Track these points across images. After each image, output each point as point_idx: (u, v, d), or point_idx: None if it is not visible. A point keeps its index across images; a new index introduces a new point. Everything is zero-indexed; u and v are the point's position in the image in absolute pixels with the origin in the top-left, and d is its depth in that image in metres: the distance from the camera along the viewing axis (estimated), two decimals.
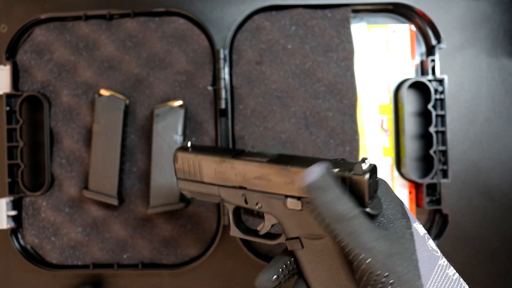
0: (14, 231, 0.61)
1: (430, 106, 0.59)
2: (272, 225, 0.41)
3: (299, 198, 0.36)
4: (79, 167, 0.60)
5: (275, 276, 0.38)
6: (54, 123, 0.61)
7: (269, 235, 0.41)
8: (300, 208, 0.36)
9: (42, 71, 0.61)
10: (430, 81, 0.60)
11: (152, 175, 0.58)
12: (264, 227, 0.41)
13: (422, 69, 0.62)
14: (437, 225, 0.60)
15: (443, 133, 0.60)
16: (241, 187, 0.40)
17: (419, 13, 0.60)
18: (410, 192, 0.61)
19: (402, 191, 0.61)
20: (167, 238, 0.60)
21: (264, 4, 0.60)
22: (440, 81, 0.60)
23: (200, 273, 0.61)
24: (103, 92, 0.59)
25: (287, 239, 0.38)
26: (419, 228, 0.35)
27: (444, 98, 0.59)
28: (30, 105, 0.62)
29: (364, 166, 0.33)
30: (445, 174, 0.59)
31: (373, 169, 0.34)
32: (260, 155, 0.39)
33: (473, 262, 0.61)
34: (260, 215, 0.42)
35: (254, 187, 0.39)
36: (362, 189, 0.33)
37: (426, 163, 0.61)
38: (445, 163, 0.59)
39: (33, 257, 0.61)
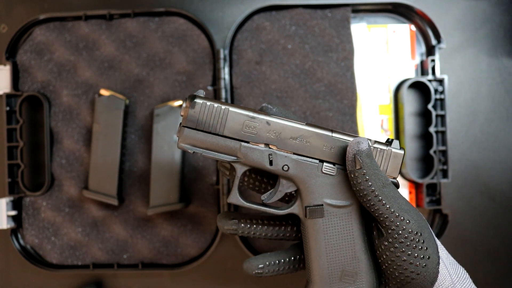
0: (14, 231, 0.61)
1: (430, 106, 0.59)
2: (286, 194, 0.41)
3: (334, 164, 0.38)
4: (79, 167, 0.60)
5: (261, 265, 0.41)
6: (54, 123, 0.61)
7: (277, 204, 0.40)
8: (334, 173, 0.38)
9: (42, 71, 0.61)
10: (430, 81, 0.60)
11: (152, 175, 0.58)
12: (275, 195, 0.39)
13: (422, 69, 0.62)
14: (437, 225, 0.60)
15: (443, 133, 0.60)
16: (269, 147, 0.38)
17: (419, 13, 0.60)
18: (410, 192, 0.61)
19: (402, 191, 0.61)
20: (167, 238, 0.60)
21: (264, 4, 0.60)
22: (440, 81, 0.60)
23: (200, 273, 0.61)
24: (103, 92, 0.59)
25: (308, 206, 0.38)
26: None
27: (444, 98, 0.59)
28: (30, 105, 0.62)
29: (397, 144, 0.38)
30: (445, 174, 0.59)
31: (403, 148, 0.38)
32: (295, 118, 0.39)
33: (473, 262, 0.61)
34: (268, 187, 0.42)
35: (286, 148, 0.37)
36: (398, 162, 0.37)
37: (426, 163, 0.61)
38: (445, 163, 0.59)
39: (33, 257, 0.61)
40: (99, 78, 0.61)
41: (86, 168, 0.60)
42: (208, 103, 0.37)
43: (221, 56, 0.59)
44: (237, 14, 0.62)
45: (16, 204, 0.61)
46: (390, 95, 0.62)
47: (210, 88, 0.60)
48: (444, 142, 0.60)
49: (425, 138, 0.61)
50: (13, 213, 0.60)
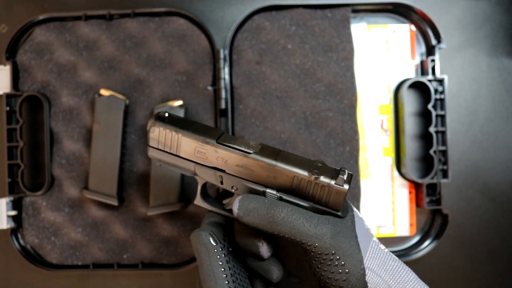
0: (14, 231, 0.61)
1: (430, 106, 0.59)
2: None
3: (278, 191, 0.39)
4: (79, 167, 0.60)
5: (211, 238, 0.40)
6: (54, 123, 0.61)
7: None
8: (277, 199, 0.39)
9: (42, 71, 0.61)
10: (430, 81, 0.60)
11: (152, 175, 0.58)
12: (232, 203, 0.41)
13: (422, 69, 0.62)
14: (437, 225, 0.60)
15: (443, 133, 0.60)
16: (219, 169, 0.40)
17: (419, 13, 0.60)
18: (410, 192, 0.61)
19: (402, 191, 0.61)
20: (167, 238, 0.60)
21: (264, 4, 0.60)
22: (440, 81, 0.60)
23: None
24: (103, 92, 0.59)
25: None
26: (356, 211, 0.40)
27: (444, 98, 0.59)
28: (30, 105, 0.62)
29: (344, 177, 0.37)
30: (445, 174, 0.59)
31: (351, 179, 0.38)
32: (244, 144, 0.40)
33: (473, 262, 0.61)
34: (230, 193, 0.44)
35: (233, 173, 0.40)
36: (340, 199, 0.37)
37: (426, 163, 0.61)
38: (445, 163, 0.59)
39: (33, 257, 0.61)
40: (99, 78, 0.61)
41: (86, 168, 0.60)
42: (165, 130, 0.41)
43: (221, 56, 0.59)
44: (237, 14, 0.62)
45: (16, 204, 0.61)
46: (390, 95, 0.62)
47: (210, 88, 0.60)
48: (444, 142, 0.60)
49: (425, 138, 0.61)
50: (13, 213, 0.60)
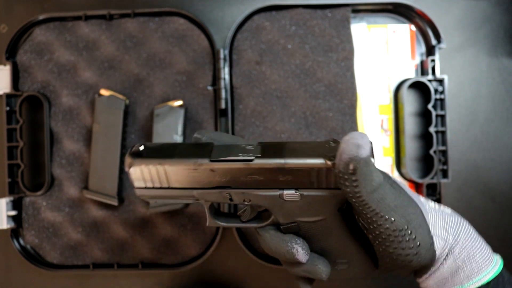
0: (14, 231, 0.61)
1: (430, 106, 0.59)
2: (259, 212, 0.39)
3: (296, 189, 0.35)
4: (79, 167, 0.60)
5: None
6: (54, 123, 0.61)
7: (254, 219, 0.39)
8: (298, 198, 0.35)
9: (42, 71, 0.61)
10: (430, 81, 0.60)
11: None
12: (249, 214, 0.39)
13: (422, 69, 0.62)
14: None
15: (443, 133, 0.60)
16: (224, 187, 0.36)
17: (419, 13, 0.60)
18: None
19: None
20: (167, 238, 0.60)
21: (264, 4, 0.60)
22: (440, 81, 0.60)
23: (200, 273, 0.61)
24: (103, 92, 0.59)
25: (282, 225, 0.37)
26: (393, 177, 0.37)
27: (444, 98, 0.59)
28: (30, 105, 0.62)
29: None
30: (445, 174, 0.59)
31: (373, 147, 0.34)
32: (241, 151, 0.35)
33: None
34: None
35: (241, 185, 0.35)
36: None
37: (426, 163, 0.61)
38: (445, 163, 0.59)
39: (33, 257, 0.61)
40: (99, 78, 0.61)
41: (86, 168, 0.60)
42: (146, 166, 0.35)
43: (221, 56, 0.59)
44: (237, 14, 0.62)
45: (16, 204, 0.61)
46: (390, 95, 0.62)
47: (210, 88, 0.60)
48: (444, 142, 0.60)
49: (425, 138, 0.61)
50: (13, 213, 0.60)
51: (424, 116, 0.61)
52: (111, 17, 0.61)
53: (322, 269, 0.37)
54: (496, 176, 0.61)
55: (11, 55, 0.61)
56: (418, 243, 0.34)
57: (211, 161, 0.34)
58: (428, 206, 0.37)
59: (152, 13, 0.61)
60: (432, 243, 0.35)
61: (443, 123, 0.60)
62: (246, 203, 0.36)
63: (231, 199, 0.36)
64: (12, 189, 0.60)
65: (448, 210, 0.39)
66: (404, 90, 0.60)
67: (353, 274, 0.39)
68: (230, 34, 0.60)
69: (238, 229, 0.59)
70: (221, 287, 0.61)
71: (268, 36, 0.60)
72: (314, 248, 0.38)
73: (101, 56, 0.61)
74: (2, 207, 0.59)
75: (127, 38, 0.61)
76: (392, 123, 0.62)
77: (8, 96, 0.61)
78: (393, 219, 0.33)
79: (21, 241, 0.61)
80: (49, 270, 0.60)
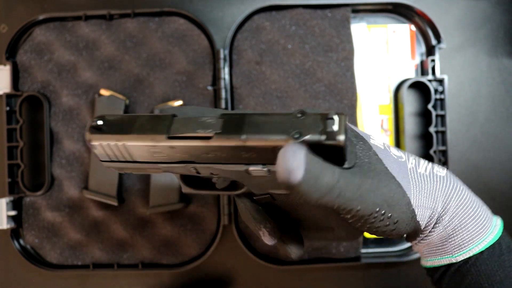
0: (14, 231, 0.61)
1: (430, 106, 0.59)
2: (232, 181, 0.36)
3: (264, 164, 0.31)
4: (79, 167, 0.60)
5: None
6: (54, 123, 0.61)
7: (229, 187, 0.37)
8: (266, 174, 0.31)
9: (42, 71, 0.61)
10: (430, 81, 0.60)
11: (152, 175, 0.58)
12: (222, 183, 0.36)
13: (422, 69, 0.62)
14: None
15: (443, 133, 0.60)
16: (188, 162, 0.33)
17: (419, 13, 0.60)
18: None
19: None
20: (167, 238, 0.60)
21: (264, 4, 0.60)
22: (440, 81, 0.60)
23: (200, 273, 0.61)
24: (103, 92, 0.59)
25: (256, 196, 0.35)
26: (376, 143, 0.34)
27: (444, 98, 0.59)
28: (30, 105, 0.62)
29: (336, 126, 0.28)
30: None
31: (345, 125, 0.29)
32: (201, 125, 0.31)
33: None
34: None
35: (205, 161, 0.33)
36: (340, 152, 0.29)
37: None
38: (445, 163, 0.59)
39: (33, 257, 0.61)
40: (99, 78, 0.61)
41: (86, 168, 0.60)
42: (104, 143, 0.33)
43: (221, 56, 0.59)
44: (237, 14, 0.62)
45: (16, 204, 0.61)
46: (390, 95, 0.62)
47: (210, 88, 0.60)
48: (444, 142, 0.60)
49: (425, 138, 0.61)
50: (13, 213, 0.60)
51: (424, 116, 0.61)
52: (111, 17, 0.61)
53: (293, 251, 0.36)
54: (496, 176, 0.61)
55: (11, 55, 0.61)
56: (395, 220, 0.32)
57: (169, 137, 0.31)
58: (414, 173, 0.34)
59: (152, 13, 0.61)
60: (414, 216, 0.33)
61: (443, 123, 0.60)
62: (214, 176, 0.34)
63: (198, 172, 0.34)
64: (12, 189, 0.60)
65: (442, 171, 0.35)
66: (404, 90, 0.60)
67: (341, 238, 0.38)
68: (230, 34, 0.60)
69: (238, 229, 0.59)
70: (221, 287, 0.61)
71: (268, 36, 0.60)
72: (294, 216, 0.36)
73: (101, 56, 0.61)
74: (2, 207, 0.59)
75: (127, 38, 0.61)
76: (392, 123, 0.62)
77: (8, 96, 0.61)
78: (358, 207, 0.30)
79: (21, 241, 0.61)
80: (49, 270, 0.60)
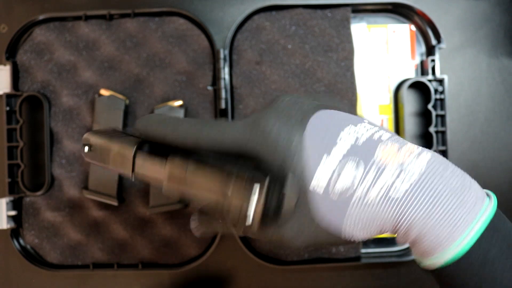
0: (14, 231, 0.61)
1: (430, 106, 0.59)
2: None
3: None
4: (79, 167, 0.60)
5: None
6: (54, 123, 0.61)
7: None
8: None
9: (42, 71, 0.61)
10: (430, 81, 0.60)
11: None
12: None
13: (422, 69, 0.62)
14: None
15: (443, 133, 0.60)
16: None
17: (419, 13, 0.60)
18: None
19: None
20: (167, 238, 0.60)
21: (264, 4, 0.60)
22: (440, 81, 0.60)
23: (200, 273, 0.61)
24: (103, 92, 0.59)
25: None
26: (341, 150, 0.29)
27: (444, 98, 0.60)
28: (30, 105, 0.62)
29: (251, 211, 0.29)
30: None
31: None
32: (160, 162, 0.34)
33: None
34: None
35: None
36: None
37: None
38: None
39: (33, 257, 0.61)
40: (99, 78, 0.61)
41: (86, 168, 0.60)
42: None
43: (221, 56, 0.59)
44: (237, 14, 0.62)
45: (16, 204, 0.61)
46: (390, 95, 0.62)
47: (210, 88, 0.60)
48: (444, 142, 0.60)
49: (425, 138, 0.61)
50: (13, 213, 0.60)
51: (424, 116, 0.61)
52: (111, 17, 0.61)
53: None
54: (496, 176, 0.61)
55: (11, 55, 0.61)
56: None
57: (133, 173, 0.35)
58: (358, 204, 0.28)
59: (152, 13, 0.61)
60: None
61: (443, 123, 0.60)
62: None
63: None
64: (12, 189, 0.60)
65: (405, 184, 0.27)
66: (404, 90, 0.60)
67: None
68: (230, 34, 0.60)
69: None
70: (221, 287, 0.61)
71: (268, 36, 0.60)
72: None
73: (101, 56, 0.61)
74: (2, 207, 0.59)
75: (127, 38, 0.61)
76: (392, 123, 0.62)
77: (8, 96, 0.61)
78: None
79: (21, 241, 0.61)
80: (49, 270, 0.60)
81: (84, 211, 0.60)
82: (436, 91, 0.60)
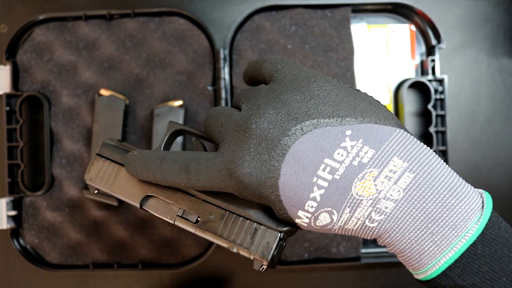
0: (14, 231, 0.61)
1: (430, 106, 0.59)
2: None
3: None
4: (79, 167, 0.60)
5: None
6: (54, 123, 0.61)
7: None
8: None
9: (42, 71, 0.61)
10: (430, 81, 0.60)
11: None
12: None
13: (422, 69, 0.62)
14: None
15: (443, 133, 0.60)
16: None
17: (419, 13, 0.60)
18: None
19: None
20: (167, 238, 0.60)
21: (264, 4, 0.60)
22: (440, 81, 0.60)
23: (200, 273, 0.61)
24: (103, 92, 0.59)
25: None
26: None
27: (444, 98, 0.60)
28: (30, 105, 0.62)
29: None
30: None
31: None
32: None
33: None
34: None
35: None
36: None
37: None
38: (445, 163, 0.59)
39: (33, 257, 0.61)
40: (99, 78, 0.61)
41: (86, 167, 0.60)
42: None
43: (221, 56, 0.59)
44: (237, 14, 0.62)
45: (16, 204, 0.61)
46: (390, 95, 0.62)
47: (210, 88, 0.60)
48: (444, 142, 0.60)
49: (425, 138, 0.61)
50: (13, 213, 0.60)
51: (424, 116, 0.61)
52: (111, 17, 0.61)
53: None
54: (496, 176, 0.61)
55: (11, 55, 0.61)
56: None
57: (141, 207, 0.40)
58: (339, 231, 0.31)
59: (152, 13, 0.61)
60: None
61: (443, 123, 0.60)
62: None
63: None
64: (12, 189, 0.60)
65: (379, 216, 0.28)
66: (404, 90, 0.60)
67: None
68: (230, 34, 0.60)
69: None
70: (221, 287, 0.61)
71: (268, 36, 0.60)
72: None
73: (101, 56, 0.61)
74: (2, 207, 0.59)
75: (127, 38, 0.61)
76: None
77: (8, 96, 0.61)
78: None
79: (21, 241, 0.61)
80: (49, 270, 0.60)
81: (84, 211, 0.60)
82: (436, 91, 0.60)
